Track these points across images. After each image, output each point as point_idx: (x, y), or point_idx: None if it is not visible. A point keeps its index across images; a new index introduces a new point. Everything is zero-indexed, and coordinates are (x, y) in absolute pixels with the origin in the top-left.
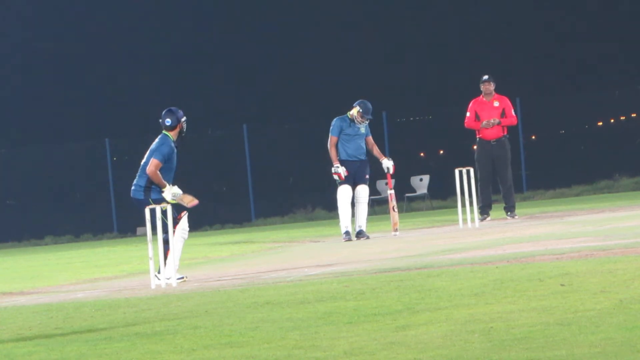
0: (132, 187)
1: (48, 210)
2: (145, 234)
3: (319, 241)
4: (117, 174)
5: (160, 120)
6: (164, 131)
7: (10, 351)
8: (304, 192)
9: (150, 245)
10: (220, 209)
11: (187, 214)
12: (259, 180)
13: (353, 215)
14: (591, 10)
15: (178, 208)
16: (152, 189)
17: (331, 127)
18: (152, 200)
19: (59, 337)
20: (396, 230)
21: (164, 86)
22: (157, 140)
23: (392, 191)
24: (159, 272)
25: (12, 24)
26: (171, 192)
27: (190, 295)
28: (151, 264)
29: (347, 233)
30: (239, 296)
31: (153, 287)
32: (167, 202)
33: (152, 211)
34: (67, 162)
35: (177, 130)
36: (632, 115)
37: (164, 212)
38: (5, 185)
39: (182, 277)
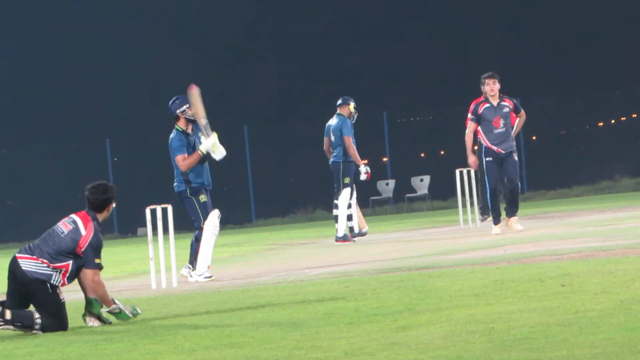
0: (175, 184)
1: (48, 210)
2: (146, 235)
3: (319, 242)
4: (118, 174)
5: None
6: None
7: (11, 352)
8: (305, 192)
9: (151, 246)
10: (220, 209)
11: (217, 211)
12: (260, 180)
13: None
14: (591, 10)
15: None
16: (191, 178)
17: (347, 127)
18: (190, 188)
19: (60, 337)
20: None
21: (165, 86)
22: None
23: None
24: (190, 269)
25: (12, 24)
26: (210, 142)
27: (191, 295)
28: (152, 264)
29: (354, 231)
30: (240, 297)
31: (154, 287)
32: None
33: (153, 211)
34: (67, 162)
35: (181, 122)
36: (633, 115)
37: (193, 209)
38: (6, 185)
39: (211, 276)
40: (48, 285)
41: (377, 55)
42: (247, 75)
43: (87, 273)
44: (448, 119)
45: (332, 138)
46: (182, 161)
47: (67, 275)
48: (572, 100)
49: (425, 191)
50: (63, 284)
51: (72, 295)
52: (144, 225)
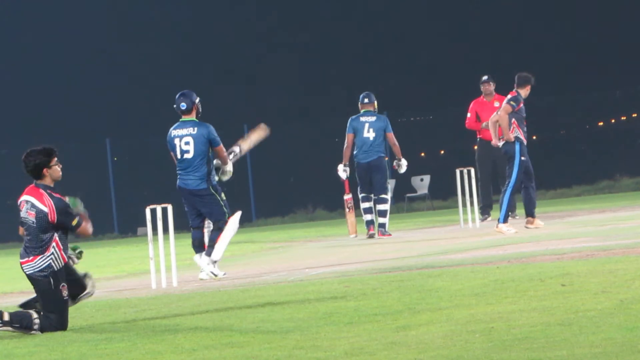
0: (190, 181)
1: None
2: (145, 234)
3: (319, 241)
4: (118, 174)
5: (175, 106)
6: (183, 118)
7: (11, 351)
8: (305, 192)
9: (151, 246)
10: None
11: (240, 212)
12: (260, 180)
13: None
14: (591, 10)
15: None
16: (212, 176)
17: (389, 124)
18: (212, 186)
19: (60, 337)
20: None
21: (164, 86)
22: (192, 129)
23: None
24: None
25: (12, 23)
26: (229, 168)
27: (191, 295)
28: (152, 264)
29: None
30: (240, 296)
31: (154, 287)
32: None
33: (153, 211)
34: (67, 162)
35: (194, 112)
36: (633, 115)
37: (217, 206)
38: (5, 185)
39: (225, 273)
40: (51, 280)
41: (377, 55)
42: (247, 74)
43: (79, 233)
44: (448, 119)
45: (369, 134)
46: (224, 150)
47: (61, 246)
48: (572, 100)
49: (425, 191)
50: (65, 261)
51: None
52: (144, 224)
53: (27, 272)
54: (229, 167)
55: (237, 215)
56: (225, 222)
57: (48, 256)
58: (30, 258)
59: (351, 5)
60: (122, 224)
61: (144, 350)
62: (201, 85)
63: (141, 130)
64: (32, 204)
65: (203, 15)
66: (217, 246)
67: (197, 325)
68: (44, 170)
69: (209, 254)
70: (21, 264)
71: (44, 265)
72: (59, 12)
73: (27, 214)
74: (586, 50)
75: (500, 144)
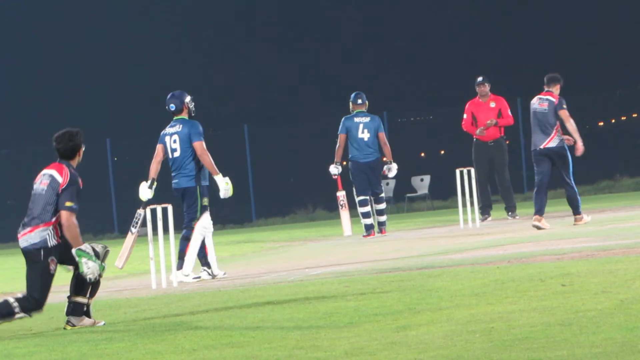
0: (181, 179)
1: None
2: (146, 234)
3: (319, 241)
4: (118, 174)
5: (166, 107)
6: (175, 117)
7: (11, 351)
8: (305, 192)
9: (151, 246)
10: (220, 209)
11: (208, 209)
12: (260, 180)
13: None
14: (591, 10)
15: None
16: (202, 177)
17: (382, 125)
18: (200, 186)
19: (60, 337)
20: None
21: (164, 86)
22: (178, 127)
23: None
24: (180, 269)
25: (13, 23)
26: (225, 184)
27: (191, 295)
28: (152, 264)
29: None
30: (240, 296)
31: (154, 287)
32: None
33: (153, 211)
34: None
35: (185, 112)
36: (633, 115)
37: (194, 209)
38: (5, 185)
39: (199, 277)
40: (42, 251)
41: (378, 55)
42: (248, 74)
43: (62, 214)
44: (448, 119)
45: (363, 135)
46: (204, 148)
47: (60, 229)
48: (572, 100)
49: (426, 191)
50: (59, 241)
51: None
52: (144, 225)
53: (22, 246)
54: (222, 183)
55: (205, 218)
56: (192, 230)
57: (45, 230)
58: (28, 230)
59: (351, 5)
60: (122, 224)
61: (144, 350)
62: (201, 85)
63: (141, 130)
64: (50, 174)
65: (204, 15)
66: (186, 259)
67: (197, 325)
68: (78, 151)
69: (180, 267)
70: (18, 238)
71: (38, 238)
72: (59, 12)
73: (40, 184)
74: (586, 50)
75: (556, 143)
